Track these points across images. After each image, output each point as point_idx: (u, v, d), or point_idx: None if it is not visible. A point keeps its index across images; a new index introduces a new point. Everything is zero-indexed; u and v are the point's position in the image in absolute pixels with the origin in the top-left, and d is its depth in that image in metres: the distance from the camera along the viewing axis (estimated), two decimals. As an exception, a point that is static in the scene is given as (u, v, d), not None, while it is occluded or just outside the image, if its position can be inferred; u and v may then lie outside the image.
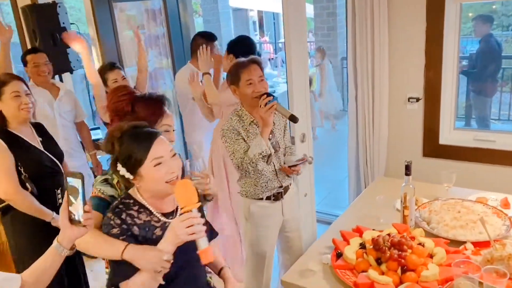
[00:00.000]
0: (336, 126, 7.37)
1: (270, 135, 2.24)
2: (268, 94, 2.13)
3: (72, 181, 1.27)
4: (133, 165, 1.42)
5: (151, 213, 1.50)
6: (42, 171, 2.32)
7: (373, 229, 1.97)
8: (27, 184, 2.28)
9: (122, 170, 1.44)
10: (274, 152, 2.28)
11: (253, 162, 2.13)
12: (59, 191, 2.39)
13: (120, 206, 1.48)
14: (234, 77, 2.24)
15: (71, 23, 3.80)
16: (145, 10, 4.27)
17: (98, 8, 3.38)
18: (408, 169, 1.97)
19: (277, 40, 12.41)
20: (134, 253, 1.42)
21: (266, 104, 2.08)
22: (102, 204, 1.58)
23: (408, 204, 1.99)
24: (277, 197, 2.37)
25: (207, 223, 1.54)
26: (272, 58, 11.38)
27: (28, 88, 2.38)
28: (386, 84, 3.01)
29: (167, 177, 1.43)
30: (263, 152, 2.12)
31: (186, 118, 3.52)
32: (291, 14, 2.70)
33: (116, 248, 1.44)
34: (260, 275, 2.46)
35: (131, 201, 1.50)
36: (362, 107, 3.14)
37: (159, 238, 1.44)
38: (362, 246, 1.84)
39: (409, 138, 3.09)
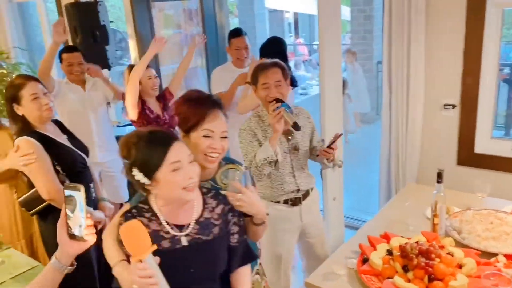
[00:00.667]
0: (367, 130, 7.27)
1: (290, 137, 2.25)
2: (278, 100, 2.13)
3: (71, 193, 1.19)
4: (150, 170, 1.36)
5: (161, 223, 1.44)
6: (75, 168, 2.32)
7: (401, 236, 1.94)
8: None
9: (139, 175, 1.38)
10: (293, 154, 2.28)
11: (259, 167, 2.14)
12: (92, 185, 2.44)
13: (133, 210, 1.44)
14: (253, 78, 2.26)
15: (111, 21, 3.92)
16: (183, 10, 4.35)
17: (137, 7, 3.48)
18: (439, 177, 1.94)
19: (312, 42, 12.36)
20: (120, 272, 1.39)
21: (274, 110, 2.09)
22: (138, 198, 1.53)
23: (439, 212, 1.95)
24: (295, 202, 2.35)
25: (247, 246, 1.53)
26: (307, 60, 11.34)
27: (44, 86, 2.33)
28: (422, 89, 2.95)
29: (184, 183, 1.37)
30: (268, 158, 2.12)
31: None
32: (326, 16, 2.70)
33: (113, 258, 1.42)
34: (277, 279, 2.45)
35: (146, 207, 1.45)
36: (395, 112, 3.09)
37: (166, 251, 1.39)
38: (389, 252, 1.82)
39: (443, 145, 3.01)
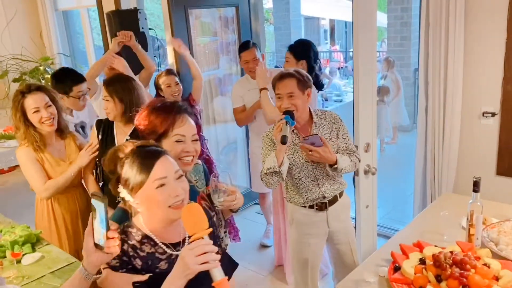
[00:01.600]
0: (404, 138, 7.13)
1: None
2: (286, 112, 2.13)
3: (96, 204, 1.19)
4: (134, 187, 1.29)
5: (155, 244, 1.34)
6: None
7: (435, 245, 1.90)
8: (97, 173, 2.56)
9: (123, 192, 1.32)
10: (317, 162, 2.24)
11: (262, 175, 2.17)
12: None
13: (122, 236, 1.33)
14: (273, 88, 2.28)
15: (150, 28, 4.04)
16: (219, 18, 4.42)
17: (174, 15, 3.57)
18: (476, 186, 1.88)
19: (348, 49, 12.26)
20: (103, 280, 1.28)
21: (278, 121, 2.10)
22: (124, 216, 1.47)
23: (475, 222, 1.90)
24: (320, 207, 2.33)
25: (224, 253, 1.41)
26: (342, 67, 11.26)
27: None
28: (459, 96, 2.88)
29: (170, 201, 1.29)
30: (271, 168, 2.12)
31: (250, 126, 3.61)
32: (361, 23, 2.68)
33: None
34: (305, 283, 2.44)
35: (134, 230, 1.35)
36: (432, 119, 3.03)
37: (164, 272, 1.29)
38: (422, 261, 1.78)
39: (482, 154, 2.93)
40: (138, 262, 1.31)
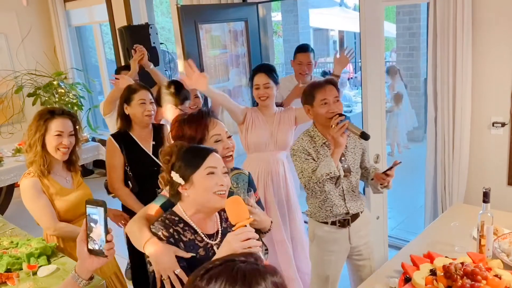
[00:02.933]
0: (414, 148, 7.10)
1: (342, 158, 2.20)
2: (340, 114, 2.12)
3: (92, 209, 1.21)
4: (187, 171, 1.48)
5: (195, 232, 1.51)
6: (144, 172, 2.58)
7: (446, 256, 1.90)
8: (129, 182, 2.61)
9: (176, 176, 1.49)
10: (344, 177, 2.23)
11: (320, 182, 2.11)
12: (159, 190, 2.61)
13: (167, 221, 1.51)
14: (308, 97, 2.24)
15: (161, 43, 4.12)
16: (229, 31, 4.48)
17: (185, 30, 3.63)
18: (486, 196, 1.88)
19: (357, 59, 12.28)
20: (152, 250, 1.44)
21: (338, 124, 2.06)
22: (169, 205, 1.63)
23: (485, 233, 1.89)
24: (343, 223, 2.30)
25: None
26: (352, 78, 11.27)
27: (153, 97, 2.72)
28: (468, 107, 2.88)
29: (216, 187, 1.47)
30: (331, 173, 2.08)
31: None
32: (368, 35, 2.71)
33: (142, 238, 1.47)
34: None
35: (176, 218, 1.52)
36: (441, 130, 3.03)
37: (202, 258, 1.46)
38: (433, 272, 1.78)
39: (493, 165, 2.91)
40: (182, 246, 1.46)
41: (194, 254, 1.47)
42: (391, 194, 2.87)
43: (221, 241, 1.48)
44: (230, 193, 1.65)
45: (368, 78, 2.76)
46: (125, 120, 2.67)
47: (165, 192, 1.70)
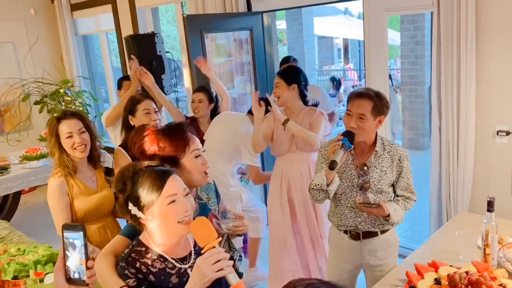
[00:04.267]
0: (419, 156, 7.09)
1: (364, 169, 2.14)
2: (347, 134, 2.03)
3: (71, 234, 1.10)
4: (146, 204, 1.35)
5: (165, 260, 1.41)
6: None
7: (450, 265, 1.90)
8: None
9: (134, 210, 1.37)
10: (360, 191, 2.16)
11: (313, 189, 2.14)
12: None
13: (133, 255, 1.39)
14: (347, 101, 2.18)
15: (166, 52, 4.15)
16: (234, 40, 4.52)
17: (191, 38, 3.67)
18: (490, 205, 1.89)
19: (362, 67, 12.32)
20: None
21: (336, 141, 2.02)
22: (135, 232, 1.52)
23: (490, 242, 1.90)
24: (354, 236, 2.23)
25: (233, 261, 1.45)
26: (356, 85, 11.30)
27: (157, 106, 2.73)
28: (473, 115, 2.88)
29: (179, 216, 1.35)
30: (318, 185, 2.09)
31: None
32: (372, 44, 2.74)
33: (116, 283, 1.36)
34: None
35: (143, 248, 1.41)
36: (446, 138, 3.04)
37: (176, 286, 1.39)
38: (437, 281, 1.78)
39: (497, 173, 2.91)
40: (151, 278, 1.36)
41: None
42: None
43: (194, 263, 1.37)
44: (203, 205, 1.64)
45: (372, 85, 2.77)
46: (130, 131, 2.64)
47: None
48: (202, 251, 1.32)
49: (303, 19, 8.41)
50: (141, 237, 1.44)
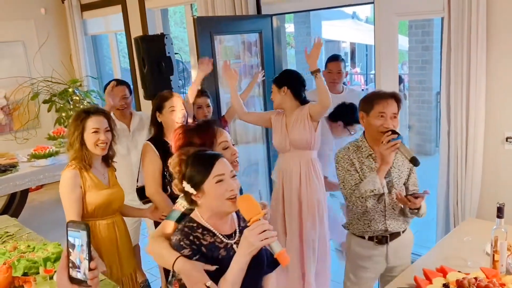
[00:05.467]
0: (426, 162, 7.07)
1: (386, 175, 2.15)
2: (394, 132, 2.05)
3: (75, 233, 1.07)
4: (198, 181, 1.55)
5: (214, 234, 1.59)
6: None
7: (459, 271, 1.90)
8: (168, 187, 2.62)
9: (187, 186, 1.57)
10: (388, 192, 2.18)
11: (363, 198, 2.06)
12: None
13: (186, 229, 1.58)
14: (367, 105, 2.17)
15: (175, 53, 4.17)
16: (242, 42, 4.53)
17: (201, 40, 3.68)
18: (500, 212, 1.88)
19: (369, 71, 12.31)
20: (181, 268, 1.51)
21: (389, 141, 2.01)
22: (182, 217, 1.71)
23: (499, 248, 1.89)
24: (381, 240, 2.22)
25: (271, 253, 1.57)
26: (363, 89, 11.28)
27: (183, 104, 2.78)
28: (482, 121, 2.88)
29: (227, 194, 1.54)
30: (375, 190, 2.03)
31: None
32: (382, 49, 2.74)
33: (171, 256, 1.53)
34: None
35: (194, 224, 1.60)
36: (454, 144, 3.03)
37: (224, 259, 1.55)
38: (446, 287, 1.78)
39: (506, 180, 2.90)
40: (203, 250, 1.54)
41: (218, 266, 1.52)
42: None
43: (239, 240, 1.54)
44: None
45: (382, 89, 2.77)
46: (158, 127, 2.74)
47: (178, 206, 1.77)
48: (248, 224, 1.46)
49: (311, 22, 8.43)
50: (192, 215, 1.64)
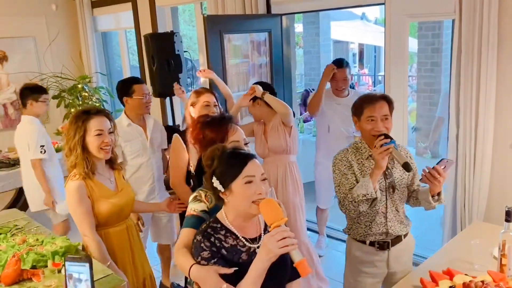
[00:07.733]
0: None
1: (387, 171, 2.14)
2: (386, 136, 2.03)
3: (75, 267, 0.98)
4: (227, 179, 1.53)
5: (237, 237, 1.57)
6: (203, 171, 2.65)
7: (466, 274, 1.89)
8: (191, 180, 2.65)
9: (216, 183, 1.55)
10: (389, 192, 2.16)
11: (355, 202, 2.03)
12: None
13: (209, 230, 1.56)
14: (357, 109, 2.16)
15: (184, 51, 4.18)
16: (251, 41, 4.54)
17: (210, 38, 3.70)
18: (509, 215, 1.88)
19: (377, 73, 12.25)
20: (196, 275, 1.53)
21: (381, 146, 1.98)
22: (196, 221, 1.72)
23: (507, 252, 1.88)
24: (382, 246, 2.20)
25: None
26: (370, 90, 11.25)
27: (217, 100, 2.83)
28: (491, 124, 2.87)
29: (254, 196, 1.50)
30: (367, 194, 2.00)
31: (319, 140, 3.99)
32: (393, 50, 2.73)
33: (188, 262, 1.55)
34: None
35: (219, 225, 1.58)
36: (463, 147, 3.02)
37: (245, 263, 1.51)
38: (452, 289, 1.78)
39: (515, 184, 2.89)
40: (224, 252, 1.52)
41: (237, 268, 1.50)
42: (408, 209, 2.85)
43: None
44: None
45: (392, 92, 2.77)
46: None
47: (189, 211, 1.76)
48: (269, 229, 1.44)
49: (320, 22, 8.40)
50: (217, 215, 1.61)
